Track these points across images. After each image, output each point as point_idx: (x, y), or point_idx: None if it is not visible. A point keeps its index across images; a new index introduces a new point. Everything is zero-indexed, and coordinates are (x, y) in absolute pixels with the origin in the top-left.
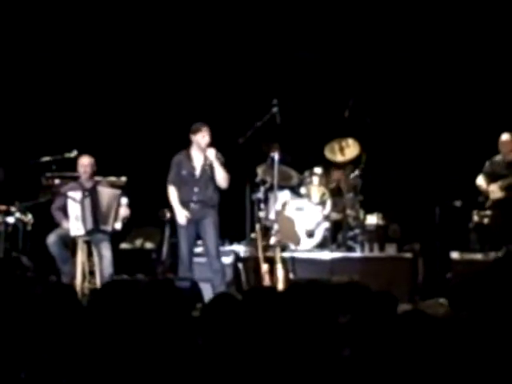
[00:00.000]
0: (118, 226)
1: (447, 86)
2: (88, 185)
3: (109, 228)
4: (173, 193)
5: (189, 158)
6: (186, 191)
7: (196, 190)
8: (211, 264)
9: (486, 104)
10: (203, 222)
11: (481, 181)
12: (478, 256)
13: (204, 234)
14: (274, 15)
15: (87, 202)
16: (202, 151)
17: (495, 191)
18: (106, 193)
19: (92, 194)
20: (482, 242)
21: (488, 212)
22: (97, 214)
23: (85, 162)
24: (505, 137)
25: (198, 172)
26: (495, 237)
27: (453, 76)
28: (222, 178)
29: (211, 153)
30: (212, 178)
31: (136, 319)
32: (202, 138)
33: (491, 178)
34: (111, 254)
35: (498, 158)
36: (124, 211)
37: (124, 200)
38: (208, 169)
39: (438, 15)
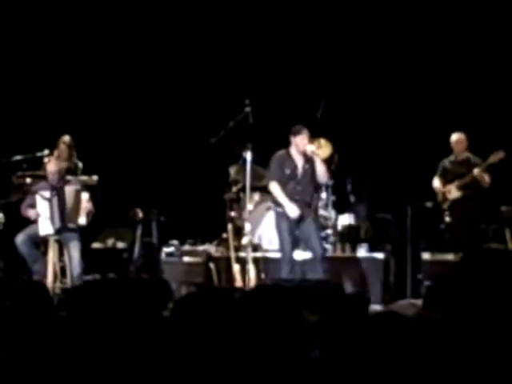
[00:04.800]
0: (82, 221)
1: (417, 88)
2: (57, 184)
3: (73, 225)
4: (277, 188)
5: (290, 157)
6: (288, 189)
7: (298, 188)
8: (315, 267)
9: (458, 105)
10: (305, 222)
11: (437, 183)
12: (449, 256)
13: (306, 234)
14: (247, 16)
15: (55, 200)
16: (300, 153)
17: (452, 191)
18: (69, 191)
19: (59, 192)
20: (452, 242)
21: (447, 213)
22: (64, 213)
23: (51, 170)
24: (457, 136)
25: (299, 172)
26: (456, 236)
27: (422, 78)
28: (323, 172)
29: (311, 148)
30: (312, 179)
31: (106, 319)
32: (301, 140)
33: (446, 179)
34: (79, 254)
35: (451, 158)
36: (85, 205)
37: (85, 195)
38: (308, 169)
39: (408, 16)
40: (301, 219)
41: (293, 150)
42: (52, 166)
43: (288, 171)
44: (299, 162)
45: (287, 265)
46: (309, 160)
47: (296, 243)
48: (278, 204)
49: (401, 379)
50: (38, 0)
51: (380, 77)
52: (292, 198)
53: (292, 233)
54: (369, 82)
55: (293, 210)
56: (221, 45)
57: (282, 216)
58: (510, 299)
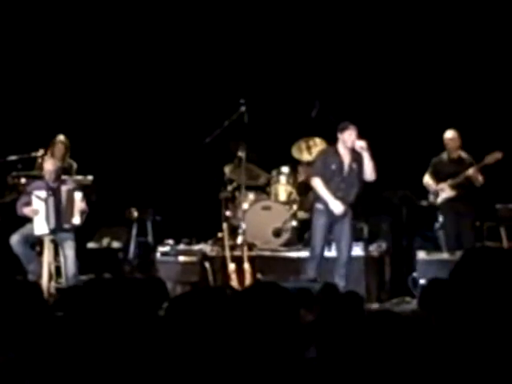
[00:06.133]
0: (76, 220)
1: (409, 85)
2: (53, 184)
3: (68, 225)
4: (320, 183)
5: (337, 153)
6: (331, 186)
7: (342, 186)
8: (337, 269)
9: (452, 103)
10: (342, 222)
11: (429, 180)
12: (444, 255)
13: (339, 234)
14: (241, 17)
15: (51, 200)
16: (348, 150)
17: (446, 190)
18: (64, 191)
19: (56, 193)
20: (446, 241)
21: (440, 211)
22: (60, 213)
23: (48, 168)
24: (451, 134)
25: (345, 169)
26: (450, 235)
27: (415, 77)
28: (370, 169)
29: (361, 143)
30: (357, 178)
31: (102, 319)
32: (348, 136)
33: (438, 177)
34: (74, 254)
35: (443, 155)
36: (79, 205)
37: (78, 195)
38: (355, 168)
39: (402, 14)
40: (339, 218)
41: (340, 147)
42: (49, 164)
43: (334, 167)
44: (346, 159)
45: (313, 261)
46: (356, 159)
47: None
48: (318, 200)
49: (397, 377)
50: (30, 1)
51: (374, 76)
52: (335, 195)
53: (326, 231)
54: (363, 82)
55: (337, 206)
56: (216, 44)
57: (320, 213)
58: (506, 298)
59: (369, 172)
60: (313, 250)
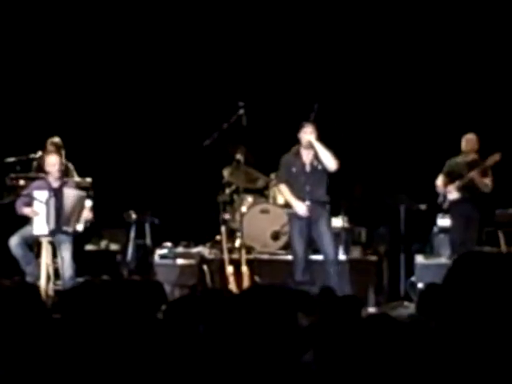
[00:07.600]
0: (80, 227)
1: (409, 89)
2: (55, 184)
3: (70, 229)
4: (285, 188)
5: (297, 155)
6: (297, 189)
7: (308, 188)
8: (327, 269)
9: (451, 107)
10: (317, 223)
11: (439, 181)
12: (443, 260)
13: (319, 235)
14: (240, 19)
15: (52, 202)
16: (308, 148)
17: (452, 192)
18: (71, 194)
19: (58, 194)
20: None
21: (445, 214)
22: (60, 215)
23: (53, 162)
24: (467, 136)
25: (308, 169)
26: (454, 239)
27: (415, 80)
28: (327, 159)
29: (308, 138)
30: (323, 175)
31: (100, 321)
32: (303, 134)
33: (450, 178)
34: (71, 256)
35: (459, 158)
36: (87, 214)
37: (88, 203)
38: (318, 165)
39: (404, 17)
40: (313, 220)
41: (301, 148)
42: (53, 157)
43: (294, 169)
44: (308, 159)
45: (299, 266)
46: (317, 155)
47: (310, 244)
48: (289, 205)
49: (394, 381)
50: (27, 3)
51: (373, 81)
52: (303, 199)
53: (304, 233)
54: (362, 86)
55: (300, 208)
56: (215, 47)
57: (293, 217)
58: (503, 303)
59: (326, 162)
60: (295, 255)
